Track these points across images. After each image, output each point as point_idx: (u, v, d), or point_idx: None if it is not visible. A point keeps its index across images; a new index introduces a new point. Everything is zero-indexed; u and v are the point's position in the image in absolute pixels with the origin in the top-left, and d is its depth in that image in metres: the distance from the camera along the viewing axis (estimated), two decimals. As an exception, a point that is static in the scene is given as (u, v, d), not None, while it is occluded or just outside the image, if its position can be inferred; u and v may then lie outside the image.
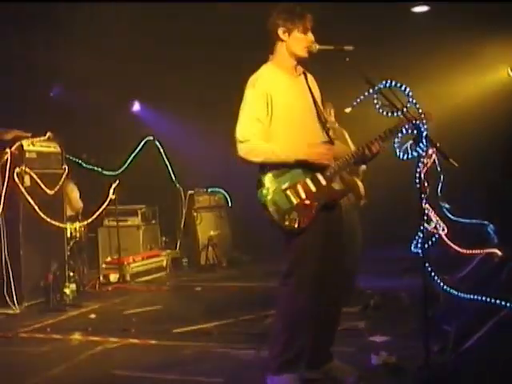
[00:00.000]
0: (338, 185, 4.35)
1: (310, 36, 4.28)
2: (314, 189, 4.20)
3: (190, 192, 11.13)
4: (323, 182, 4.23)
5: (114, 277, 9.39)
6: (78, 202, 9.14)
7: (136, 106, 11.69)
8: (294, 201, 4.16)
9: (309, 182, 4.20)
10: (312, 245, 4.20)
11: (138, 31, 8.77)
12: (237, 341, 5.70)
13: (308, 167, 4.20)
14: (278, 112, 4.23)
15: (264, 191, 4.18)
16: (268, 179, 4.19)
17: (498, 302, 4.27)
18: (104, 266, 9.70)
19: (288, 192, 4.16)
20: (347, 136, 7.25)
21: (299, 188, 4.18)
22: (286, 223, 4.14)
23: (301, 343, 4.26)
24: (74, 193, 9.05)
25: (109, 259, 9.74)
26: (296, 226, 4.14)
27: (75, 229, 8.65)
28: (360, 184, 7.33)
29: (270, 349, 4.37)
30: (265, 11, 4.37)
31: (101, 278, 9.27)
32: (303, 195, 4.17)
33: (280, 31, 4.29)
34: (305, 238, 4.18)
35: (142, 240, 10.37)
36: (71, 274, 8.29)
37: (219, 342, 5.76)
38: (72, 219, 8.72)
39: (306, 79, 4.46)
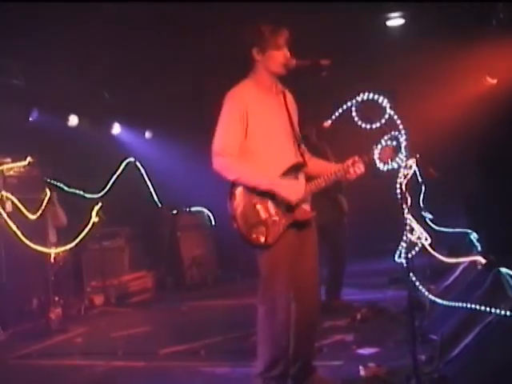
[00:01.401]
0: (308, 205, 4.39)
1: (285, 52, 4.30)
2: (283, 206, 4.22)
3: (173, 212, 11.12)
4: (293, 200, 4.24)
5: (99, 300, 9.35)
6: (63, 217, 9.05)
7: (116, 129, 11.65)
8: (263, 215, 4.19)
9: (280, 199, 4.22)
10: (281, 261, 4.21)
11: (117, 53, 8.77)
12: (225, 359, 5.68)
13: None
14: (252, 128, 4.26)
15: (235, 203, 4.22)
16: (239, 192, 4.22)
17: (482, 308, 4.29)
18: (89, 289, 9.65)
19: (258, 206, 4.19)
20: (330, 154, 7.29)
21: (269, 203, 4.21)
22: (253, 236, 4.16)
23: (285, 359, 4.27)
24: (58, 208, 8.96)
25: (94, 282, 9.68)
26: (262, 240, 4.16)
27: (59, 253, 8.60)
28: (343, 200, 7.38)
29: (256, 366, 4.36)
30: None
31: (86, 302, 9.21)
32: (273, 211, 4.20)
33: (254, 51, 4.32)
34: (273, 255, 4.20)
35: (126, 261, 10.31)
36: (56, 298, 8.23)
37: (207, 361, 5.75)
38: (56, 244, 8.67)
39: (285, 99, 4.47)
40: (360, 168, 4.29)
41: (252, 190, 4.20)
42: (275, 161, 4.28)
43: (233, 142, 4.24)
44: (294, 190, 4.24)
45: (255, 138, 4.27)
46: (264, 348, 4.28)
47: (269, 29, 4.30)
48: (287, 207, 4.23)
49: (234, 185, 4.24)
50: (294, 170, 4.34)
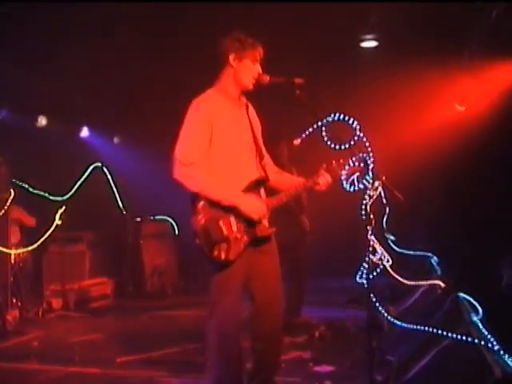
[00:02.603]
0: (267, 221, 4.36)
1: (258, 67, 4.32)
2: (245, 223, 4.18)
3: (136, 219, 11.09)
4: (255, 218, 4.22)
5: (57, 304, 9.25)
6: (30, 220, 9.01)
7: (84, 132, 11.60)
8: (226, 232, 4.12)
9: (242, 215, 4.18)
10: (234, 278, 4.19)
11: (88, 56, 8.75)
12: (182, 370, 5.67)
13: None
14: (216, 139, 4.20)
15: (198, 218, 4.15)
16: (202, 206, 4.15)
17: (440, 332, 4.35)
18: (48, 292, 9.55)
19: (221, 222, 4.13)
20: (295, 175, 7.30)
21: (232, 219, 4.16)
22: (215, 253, 4.10)
23: (234, 376, 4.22)
24: (22, 213, 8.91)
25: (53, 286, 9.58)
26: (223, 257, 4.11)
27: (19, 254, 8.52)
28: (305, 220, 7.43)
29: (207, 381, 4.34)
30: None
31: (44, 305, 9.11)
32: (235, 228, 4.15)
33: (231, 57, 4.30)
34: (228, 271, 4.15)
35: (87, 267, 10.24)
36: (14, 300, 8.14)
37: (164, 371, 5.72)
38: (17, 244, 8.58)
39: (247, 112, 4.45)
40: (327, 178, 4.32)
41: (214, 205, 4.13)
42: (237, 174, 4.24)
43: (196, 150, 4.15)
44: (257, 206, 4.21)
45: (218, 149, 4.21)
46: (211, 364, 4.26)
47: (249, 41, 4.32)
48: (249, 223, 4.19)
49: (196, 199, 4.15)
50: (255, 185, 4.30)
